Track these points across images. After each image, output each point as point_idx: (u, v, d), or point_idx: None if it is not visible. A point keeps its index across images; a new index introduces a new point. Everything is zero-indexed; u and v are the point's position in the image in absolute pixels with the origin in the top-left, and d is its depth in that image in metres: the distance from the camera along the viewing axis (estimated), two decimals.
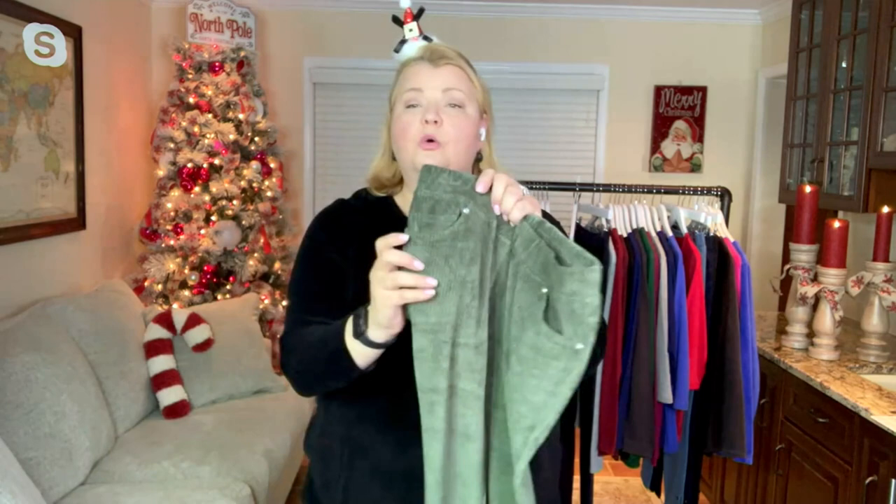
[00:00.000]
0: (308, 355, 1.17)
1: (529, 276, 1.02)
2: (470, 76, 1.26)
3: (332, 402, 1.28)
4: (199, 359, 3.10)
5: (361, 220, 1.29)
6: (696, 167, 4.47)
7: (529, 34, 4.40)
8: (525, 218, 1.04)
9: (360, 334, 1.07)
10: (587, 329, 0.94)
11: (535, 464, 1.05)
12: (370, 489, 1.20)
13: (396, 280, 1.01)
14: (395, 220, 1.27)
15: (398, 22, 1.33)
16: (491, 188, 1.05)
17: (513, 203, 1.03)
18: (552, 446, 1.22)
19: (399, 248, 1.04)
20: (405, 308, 1.04)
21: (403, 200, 1.31)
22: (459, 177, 1.06)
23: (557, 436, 1.35)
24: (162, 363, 2.99)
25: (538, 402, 0.98)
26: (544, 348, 0.97)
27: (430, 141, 1.20)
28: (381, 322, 1.04)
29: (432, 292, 1.02)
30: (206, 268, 3.73)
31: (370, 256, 1.10)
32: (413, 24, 1.31)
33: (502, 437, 1.05)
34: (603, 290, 2.25)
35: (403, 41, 1.30)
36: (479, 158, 1.30)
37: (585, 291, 0.94)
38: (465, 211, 1.04)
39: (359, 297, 1.14)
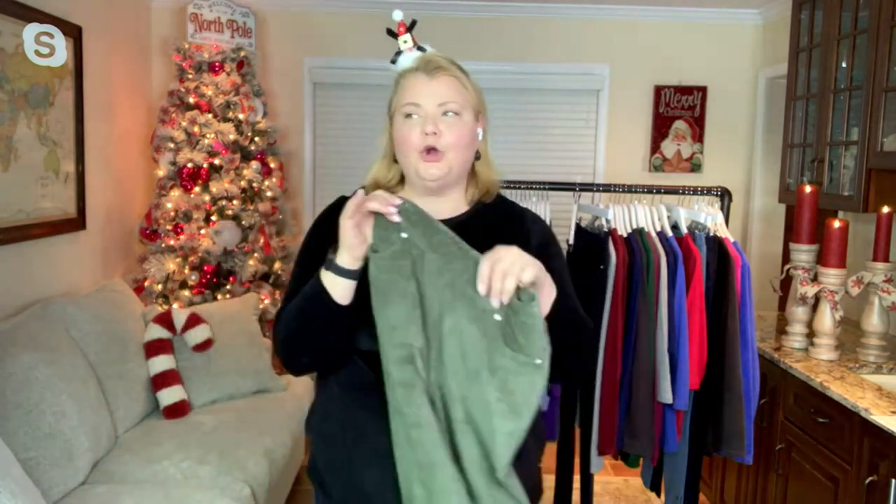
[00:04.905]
0: (292, 312, 1.28)
1: (464, 292, 1.16)
2: (463, 83, 1.35)
3: (332, 386, 1.35)
4: (199, 359, 3.10)
5: None
6: (696, 167, 4.47)
7: (529, 34, 4.40)
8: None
9: (330, 264, 1.22)
10: (541, 348, 1.12)
11: (522, 449, 1.16)
12: (371, 471, 1.27)
13: (359, 205, 1.18)
14: None
15: (392, 34, 1.41)
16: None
17: (501, 284, 1.11)
18: (535, 431, 1.30)
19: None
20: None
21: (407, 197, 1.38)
22: (436, 233, 1.19)
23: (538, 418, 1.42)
24: (162, 363, 2.99)
25: (516, 411, 1.13)
26: (510, 367, 1.13)
27: (432, 151, 1.31)
28: (345, 242, 1.19)
29: (395, 209, 1.18)
30: (206, 268, 3.73)
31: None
32: (407, 36, 1.40)
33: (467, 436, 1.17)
34: (603, 291, 2.26)
35: (399, 52, 1.39)
36: (477, 157, 1.42)
37: (536, 323, 1.11)
38: (404, 235, 1.19)
39: (357, 299, 1.24)
